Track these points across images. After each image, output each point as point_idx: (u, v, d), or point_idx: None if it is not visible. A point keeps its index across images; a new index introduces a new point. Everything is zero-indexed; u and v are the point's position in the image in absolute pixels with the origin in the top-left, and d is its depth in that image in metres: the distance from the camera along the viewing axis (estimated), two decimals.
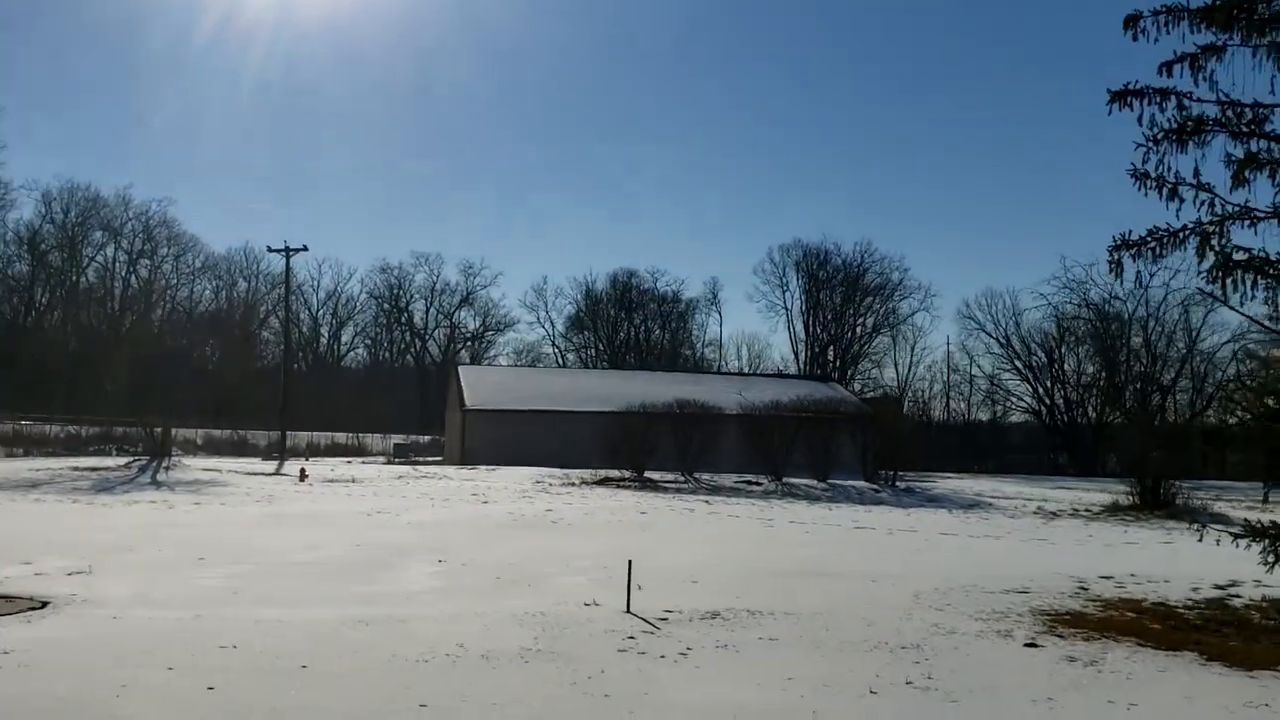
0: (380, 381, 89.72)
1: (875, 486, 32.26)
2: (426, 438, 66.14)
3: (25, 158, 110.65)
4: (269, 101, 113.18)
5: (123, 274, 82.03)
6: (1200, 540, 11.39)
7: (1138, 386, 28.89)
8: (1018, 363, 74.46)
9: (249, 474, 34.05)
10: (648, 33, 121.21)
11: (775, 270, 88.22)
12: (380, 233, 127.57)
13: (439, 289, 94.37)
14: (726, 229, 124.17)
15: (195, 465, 37.68)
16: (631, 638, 9.09)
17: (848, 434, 34.69)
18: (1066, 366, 72.93)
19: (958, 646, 9.16)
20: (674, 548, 16.44)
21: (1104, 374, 27.56)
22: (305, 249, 52.86)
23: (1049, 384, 73.57)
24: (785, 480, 32.27)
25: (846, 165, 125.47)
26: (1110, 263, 10.87)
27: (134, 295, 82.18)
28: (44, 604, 10.24)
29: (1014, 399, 76.02)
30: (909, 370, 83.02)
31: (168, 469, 34.31)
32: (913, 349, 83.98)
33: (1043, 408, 73.88)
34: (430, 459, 53.25)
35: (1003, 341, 74.41)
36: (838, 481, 32.56)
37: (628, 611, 10.23)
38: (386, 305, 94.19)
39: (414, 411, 77.14)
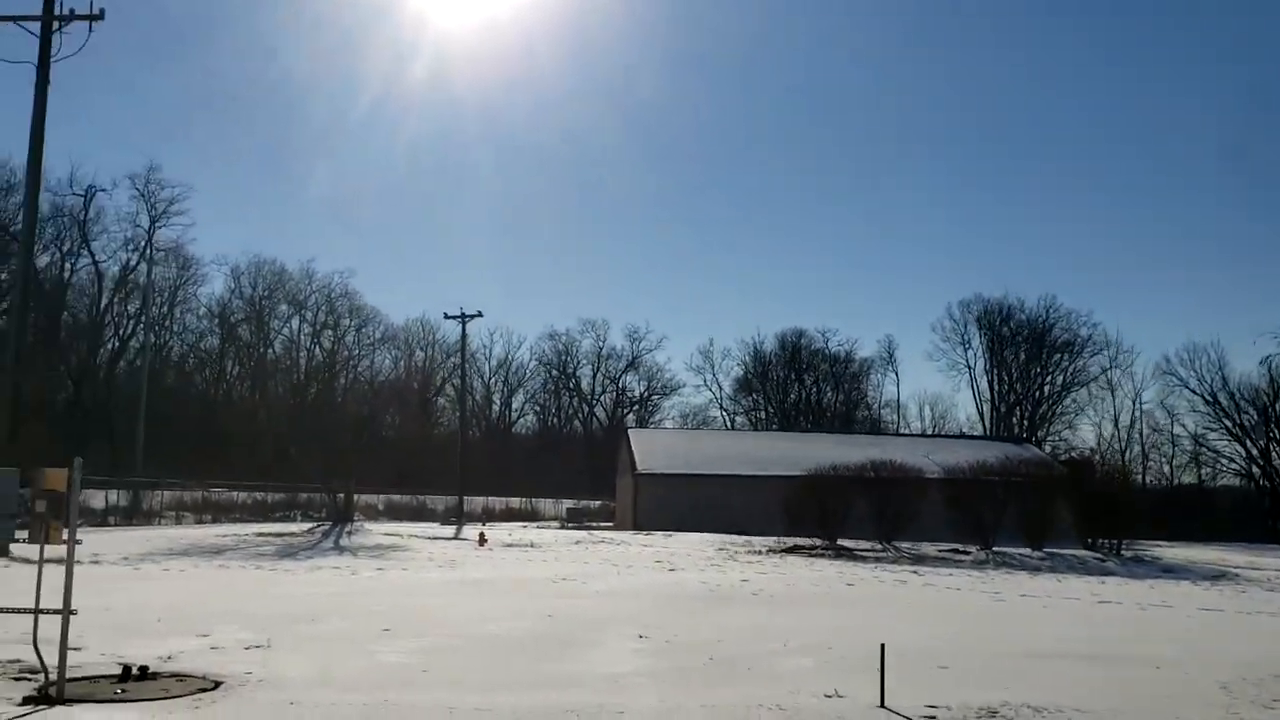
0: (549, 447, 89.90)
1: (1098, 556, 29.26)
2: (597, 502, 65.49)
3: (214, 233, 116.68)
4: (432, 176, 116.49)
5: (307, 345, 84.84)
6: None
7: None
8: (1226, 421, 69.13)
9: (430, 538, 33.52)
10: (818, 78, 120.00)
11: (955, 327, 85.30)
12: (547, 301, 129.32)
13: (605, 354, 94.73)
14: (900, 285, 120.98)
15: (377, 530, 37.52)
16: None
17: (1060, 499, 31.77)
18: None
19: None
20: (901, 625, 14.47)
21: None
22: (480, 315, 53.27)
23: (1265, 443, 67.91)
24: (995, 549, 29.63)
25: (1028, 213, 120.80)
26: None
27: (318, 366, 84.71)
28: (216, 684, 9.13)
29: (1223, 460, 70.51)
30: (1105, 431, 78.12)
31: (350, 533, 34.13)
32: (1114, 409, 78.86)
33: (1256, 469, 68.19)
34: (602, 524, 52.28)
35: (1209, 399, 69.25)
36: (1054, 550, 29.70)
37: (881, 706, 8.44)
38: (555, 372, 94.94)
39: (583, 477, 76.68)
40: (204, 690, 8.88)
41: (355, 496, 46.92)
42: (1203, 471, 72.73)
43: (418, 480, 65.50)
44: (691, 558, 26.72)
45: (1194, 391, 69.47)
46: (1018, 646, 12.38)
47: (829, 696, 8.91)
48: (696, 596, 17.62)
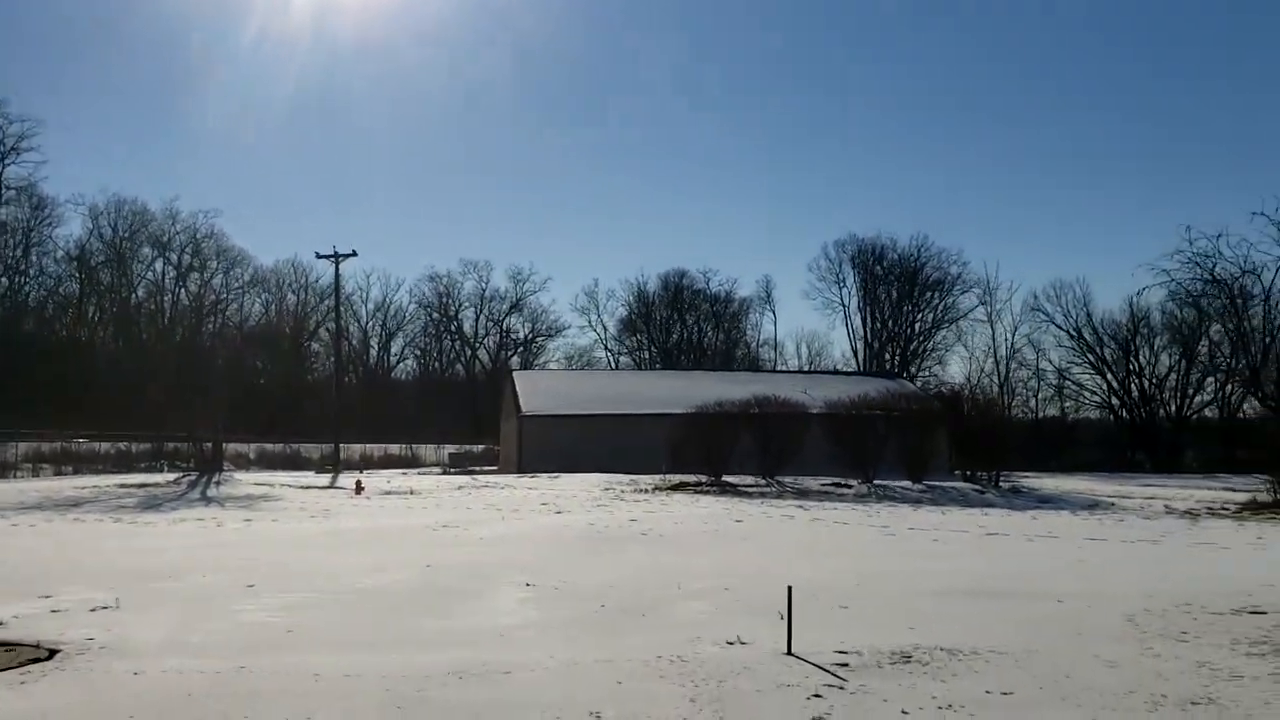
0: (431, 392, 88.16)
1: (977, 488, 29.65)
2: (480, 447, 64.36)
3: (69, 171, 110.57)
4: (307, 113, 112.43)
5: (172, 289, 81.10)
6: None
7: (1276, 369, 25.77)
8: (1089, 355, 71.30)
9: (303, 488, 32.16)
10: (694, 24, 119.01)
11: (831, 266, 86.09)
12: (427, 242, 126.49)
13: (488, 296, 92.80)
14: (778, 226, 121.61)
15: (247, 480, 35.94)
16: (818, 695, 6.75)
17: (940, 432, 32.11)
18: (1142, 358, 69.85)
19: (1269, 701, 6.73)
20: (796, 563, 14.08)
21: (1235, 357, 24.83)
22: (354, 254, 51.27)
23: (1124, 376, 70.34)
24: (876, 482, 29.78)
25: (901, 155, 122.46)
26: None
27: (184, 310, 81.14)
28: (52, 653, 8.13)
29: (1085, 393, 72.78)
30: (974, 367, 79.96)
31: (218, 484, 32.54)
32: (983, 345, 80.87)
33: (1116, 400, 70.75)
34: (486, 468, 51.36)
35: (1073, 333, 71.23)
36: (935, 483, 29.99)
37: (789, 653, 7.91)
38: (435, 314, 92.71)
39: (466, 421, 75.36)
40: (36, 661, 7.88)
41: (224, 445, 44.99)
42: (1065, 405, 74.95)
43: (292, 428, 63.41)
44: (578, 499, 26.12)
45: (1059, 327, 71.29)
46: (916, 583, 12.07)
47: (731, 643, 8.36)
48: (585, 539, 16.99)
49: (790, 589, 8.26)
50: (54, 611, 9.93)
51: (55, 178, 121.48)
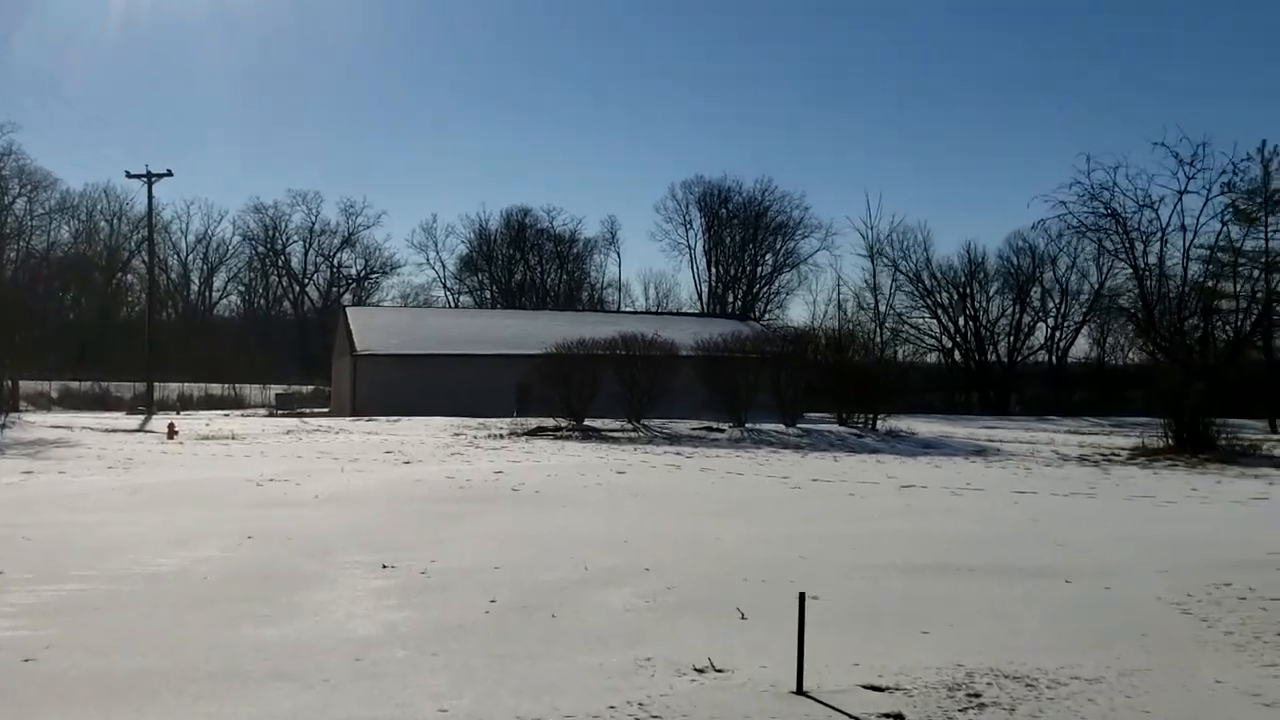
0: (256, 329, 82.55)
1: (855, 431, 27.98)
2: (309, 388, 60.16)
3: None
4: (125, 27, 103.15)
5: None
6: None
7: (1174, 312, 24.74)
8: (928, 300, 71.97)
9: (107, 431, 28.15)
10: None
11: (678, 208, 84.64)
12: (252, 171, 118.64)
13: (318, 230, 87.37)
14: (625, 166, 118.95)
15: (43, 421, 31.55)
16: None
17: (812, 373, 30.31)
18: (977, 302, 71.01)
19: None
20: (708, 525, 11.63)
21: (1139, 309, 23.95)
22: (169, 174, 46.30)
23: (962, 320, 71.33)
24: (749, 426, 27.76)
25: (746, 94, 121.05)
26: None
27: None
28: None
29: (925, 338, 73.46)
30: (816, 310, 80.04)
31: (5, 427, 28.12)
32: (825, 288, 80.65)
33: (949, 342, 71.76)
34: (317, 410, 47.58)
35: (912, 278, 71.78)
36: (809, 426, 28.19)
37: (799, 692, 5.38)
38: (261, 248, 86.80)
39: (294, 361, 70.57)
40: None
41: (18, 383, 39.87)
42: (903, 349, 75.51)
43: (103, 366, 57.81)
44: (426, 446, 23.17)
45: (900, 271, 71.80)
46: (867, 554, 9.75)
47: (702, 671, 5.77)
48: (446, 498, 14.09)
49: (803, 598, 5.64)
50: None
51: None
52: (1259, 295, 28.82)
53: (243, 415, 42.83)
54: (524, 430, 27.70)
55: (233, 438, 25.90)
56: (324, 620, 7.03)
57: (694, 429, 27.41)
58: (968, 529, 11.80)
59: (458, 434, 26.81)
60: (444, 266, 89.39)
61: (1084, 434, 34.40)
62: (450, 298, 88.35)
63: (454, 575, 8.60)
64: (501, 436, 26.24)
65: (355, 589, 8.07)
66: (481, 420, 30.87)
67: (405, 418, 33.02)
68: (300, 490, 14.85)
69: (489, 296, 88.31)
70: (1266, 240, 35.72)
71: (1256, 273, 33.61)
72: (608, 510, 13.04)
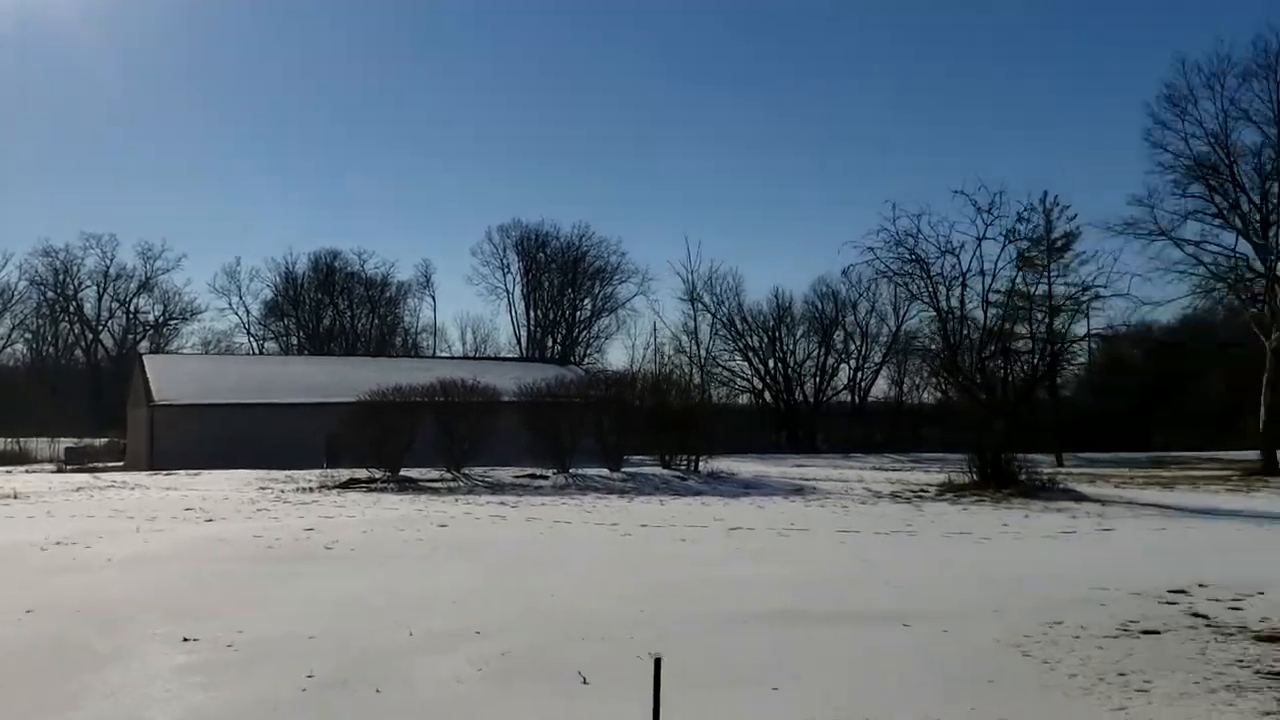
0: (44, 380, 77.19)
1: (678, 474, 27.95)
2: (103, 441, 56.45)
3: None
4: None
5: None
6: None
7: (974, 350, 25.88)
8: (740, 342, 73.96)
9: None
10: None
11: (495, 251, 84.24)
12: (41, 212, 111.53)
13: (113, 274, 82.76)
14: (439, 209, 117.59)
15: None
16: None
17: (637, 416, 30.21)
18: (785, 345, 73.49)
19: None
20: (536, 579, 11.12)
21: (934, 339, 25.20)
22: None
23: (772, 362, 73.54)
24: (574, 472, 27.37)
25: (565, 139, 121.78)
26: None
27: None
28: None
29: (738, 380, 75.25)
30: (635, 354, 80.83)
31: None
32: (643, 332, 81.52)
33: (759, 383, 73.85)
34: (111, 465, 44.60)
35: (726, 322, 73.69)
36: (633, 470, 28.02)
37: None
38: (50, 293, 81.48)
39: (86, 413, 66.22)
40: None
41: None
42: (718, 391, 77.10)
43: None
44: (231, 502, 21.79)
45: (714, 315, 73.61)
46: (712, 602, 9.49)
47: None
48: (253, 558, 13.12)
49: (658, 663, 5.23)
50: None
51: None
52: (1045, 336, 30.51)
53: (27, 471, 39.65)
54: (336, 483, 26.53)
55: (14, 496, 23.77)
56: (119, 705, 6.25)
57: (517, 476, 26.84)
58: (800, 572, 11.71)
59: (264, 488, 25.44)
60: (248, 312, 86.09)
61: (887, 470, 35.58)
62: (255, 344, 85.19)
63: (265, 646, 7.85)
64: (312, 490, 25.03)
65: (154, 666, 7.24)
66: (290, 473, 29.48)
67: (207, 471, 31.24)
68: (91, 554, 13.56)
69: (296, 343, 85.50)
70: (1050, 285, 38.09)
71: (1042, 315, 35.76)
72: (431, 567, 12.37)
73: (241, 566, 12.31)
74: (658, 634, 7.94)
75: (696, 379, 75.83)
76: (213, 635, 8.20)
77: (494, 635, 8.15)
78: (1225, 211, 38.40)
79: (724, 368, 75.39)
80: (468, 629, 8.42)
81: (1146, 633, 8.12)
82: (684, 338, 75.92)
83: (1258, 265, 38.08)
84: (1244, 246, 38.36)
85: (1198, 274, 39.43)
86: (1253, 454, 38.71)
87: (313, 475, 28.56)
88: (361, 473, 27.59)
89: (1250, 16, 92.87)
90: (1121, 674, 6.74)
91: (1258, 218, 37.63)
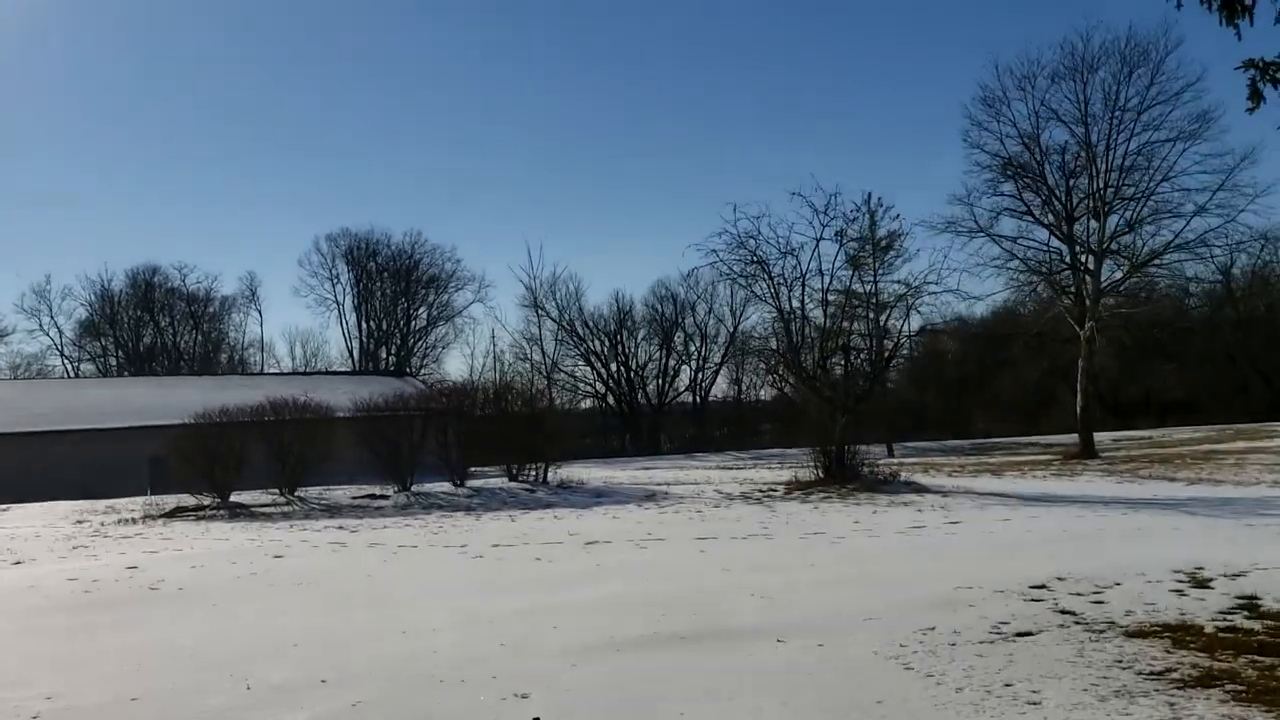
0: None
1: (527, 486, 27.28)
2: None
3: None
4: None
5: None
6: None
7: (815, 348, 26.19)
8: (581, 347, 73.88)
9: None
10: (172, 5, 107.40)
11: (324, 261, 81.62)
12: None
13: None
14: (262, 220, 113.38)
15: None
16: None
17: (478, 427, 29.41)
18: (627, 349, 73.85)
19: None
20: (383, 618, 10.38)
21: (785, 350, 25.22)
22: None
23: (615, 366, 73.72)
24: (416, 489, 26.42)
25: (393, 144, 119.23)
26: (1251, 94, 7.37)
27: None
28: None
29: (581, 385, 75.09)
30: (474, 363, 79.76)
31: None
32: (480, 340, 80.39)
33: (601, 387, 74.02)
34: None
35: (567, 328, 73.43)
36: (478, 484, 27.23)
37: None
38: None
39: None
40: None
41: None
42: (562, 397, 76.75)
43: None
44: (43, 539, 20.09)
45: (555, 321, 73.25)
46: (578, 630, 9.00)
47: None
48: (68, 606, 11.92)
49: None
50: None
51: None
52: (880, 333, 31.16)
53: None
54: (161, 512, 24.88)
55: None
56: None
57: (355, 497, 25.72)
58: (665, 588, 11.32)
59: (81, 521, 23.63)
60: (60, 333, 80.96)
61: (731, 469, 35.82)
62: (69, 367, 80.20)
63: (81, 716, 6.97)
64: (135, 521, 23.37)
65: None
66: (110, 503, 27.57)
67: (15, 505, 28.91)
68: None
69: (115, 363, 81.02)
70: (876, 283, 39.05)
71: (872, 314, 36.62)
72: (268, 606, 11.47)
73: (53, 618, 11.17)
74: (522, 672, 7.41)
75: (542, 385, 75.48)
76: (16, 705, 7.26)
77: (342, 684, 7.47)
78: (1036, 208, 40.11)
79: (566, 373, 75.16)
80: (312, 678, 7.70)
81: (1021, 634, 8.05)
82: (526, 344, 75.18)
83: (1069, 259, 39.88)
84: (1057, 241, 40.15)
85: (1013, 268, 41.07)
86: (1067, 438, 40.62)
87: (136, 504, 26.81)
88: (189, 499, 26.00)
89: (1059, 20, 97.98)
90: (1008, 684, 6.58)
91: (1064, 213, 39.40)
